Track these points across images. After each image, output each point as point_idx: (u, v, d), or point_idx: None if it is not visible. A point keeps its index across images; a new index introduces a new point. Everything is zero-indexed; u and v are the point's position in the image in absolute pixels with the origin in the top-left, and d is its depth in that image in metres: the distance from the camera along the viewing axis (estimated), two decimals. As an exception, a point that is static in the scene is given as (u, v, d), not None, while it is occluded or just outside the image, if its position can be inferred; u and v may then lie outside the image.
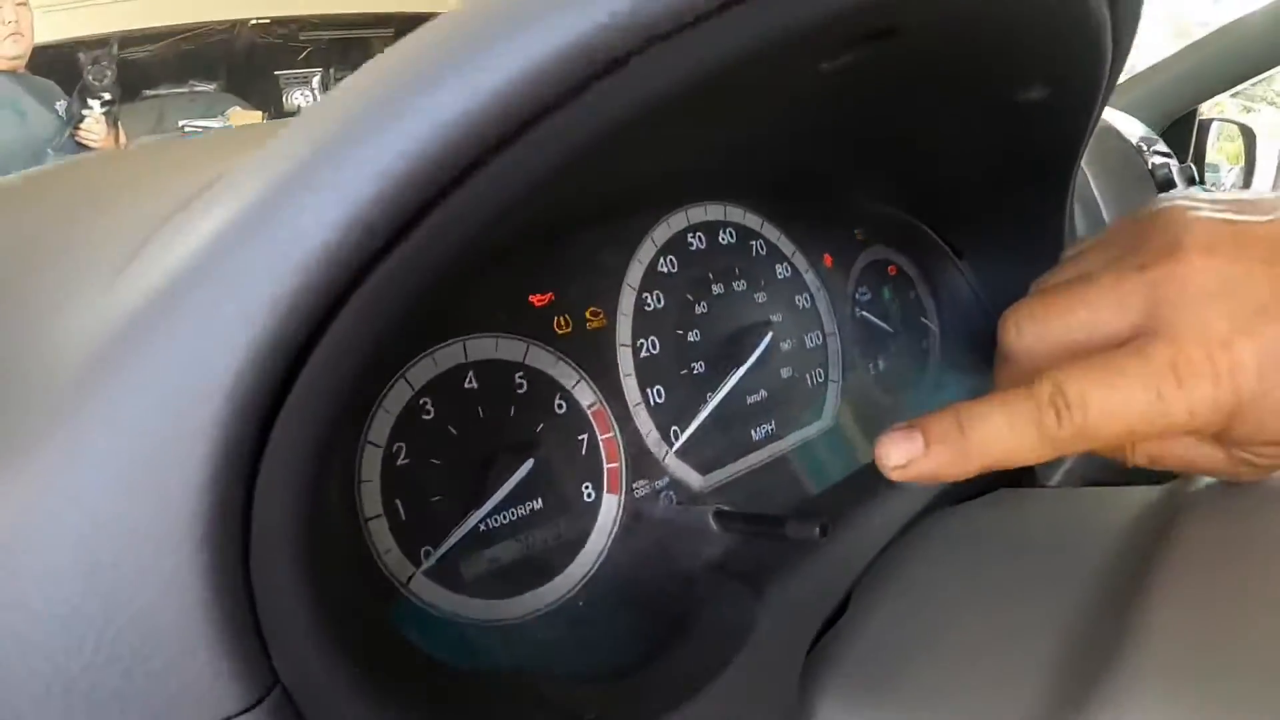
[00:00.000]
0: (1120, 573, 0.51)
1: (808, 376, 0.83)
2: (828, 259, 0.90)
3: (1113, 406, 0.35)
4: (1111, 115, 1.53)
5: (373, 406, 0.58)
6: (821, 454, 0.81)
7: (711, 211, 0.82)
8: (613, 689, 0.52)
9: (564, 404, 0.65)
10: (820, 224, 0.90)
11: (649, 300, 0.73)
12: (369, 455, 0.57)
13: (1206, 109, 2.01)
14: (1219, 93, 1.90)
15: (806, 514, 0.52)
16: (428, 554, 0.57)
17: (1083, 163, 0.92)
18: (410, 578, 0.57)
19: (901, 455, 0.39)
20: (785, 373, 0.80)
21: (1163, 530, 0.46)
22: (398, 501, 0.57)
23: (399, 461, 0.58)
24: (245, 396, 0.30)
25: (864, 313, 0.93)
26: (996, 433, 0.37)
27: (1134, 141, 1.42)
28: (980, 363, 1.06)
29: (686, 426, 0.70)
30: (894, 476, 0.40)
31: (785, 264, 0.86)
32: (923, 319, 1.01)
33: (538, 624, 0.60)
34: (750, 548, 0.60)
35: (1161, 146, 1.44)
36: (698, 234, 0.80)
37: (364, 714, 0.33)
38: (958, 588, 0.61)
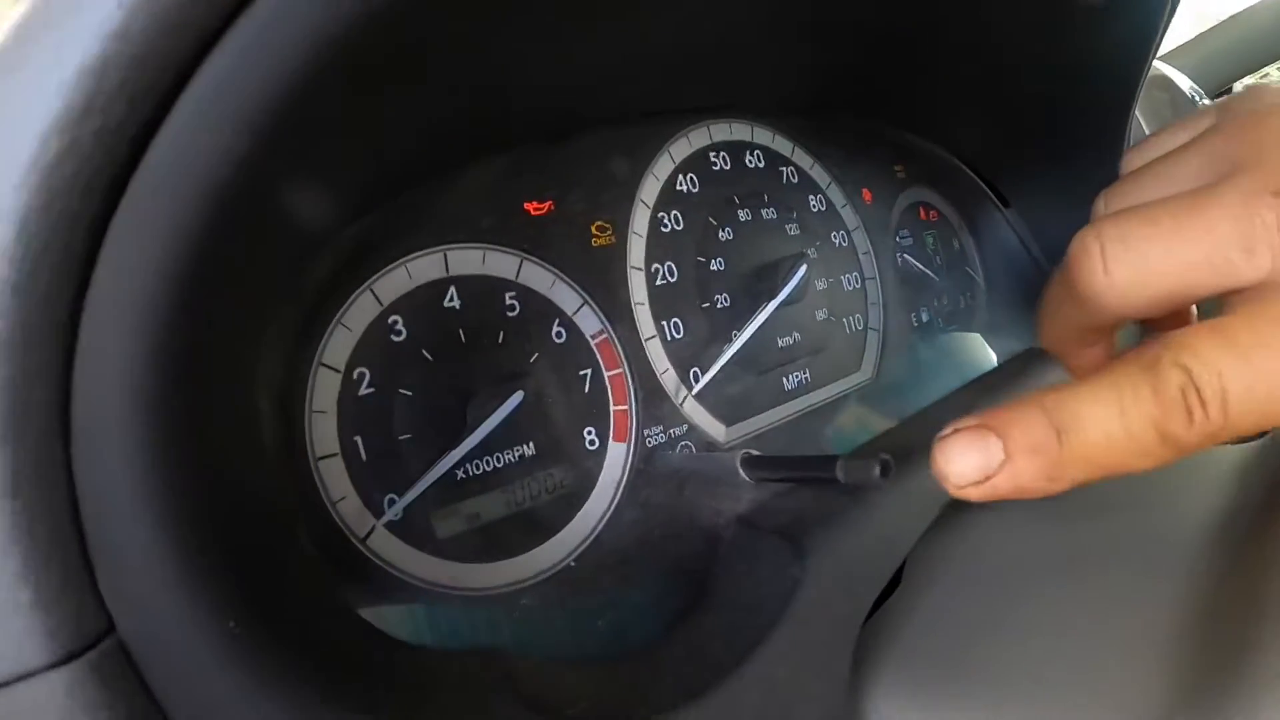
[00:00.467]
0: (1229, 540, 0.42)
1: (845, 322, 0.72)
2: (866, 194, 0.79)
3: (1261, 396, 0.25)
4: (1164, 68, 1.42)
5: (330, 322, 0.47)
6: (859, 411, 0.70)
7: (737, 130, 0.71)
8: (612, 674, 0.41)
9: (563, 332, 0.54)
10: (857, 155, 0.80)
11: (666, 220, 0.62)
12: (323, 381, 0.46)
13: (1253, 81, 1.91)
14: (1267, 65, 1.81)
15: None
16: (391, 503, 0.46)
17: (1136, 112, 0.82)
18: (369, 532, 0.45)
19: (973, 468, 0.29)
20: (821, 314, 0.69)
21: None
22: (358, 439, 0.46)
23: (361, 390, 0.47)
24: (53, 181, 0.19)
25: (907, 256, 0.81)
26: (1106, 440, 0.27)
27: (1186, 92, 1.31)
28: (1031, 321, 0.94)
29: (709, 367, 0.59)
30: (964, 495, 0.30)
31: (819, 196, 0.74)
32: (968, 270, 0.90)
33: (525, 594, 0.49)
34: (786, 501, 0.49)
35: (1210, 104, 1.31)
36: (721, 153, 0.68)
37: (235, 694, 0.21)
38: (1031, 554, 0.51)
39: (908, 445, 0.54)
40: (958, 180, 0.94)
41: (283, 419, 0.44)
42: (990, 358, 0.85)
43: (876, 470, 0.40)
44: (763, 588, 0.44)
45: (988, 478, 0.28)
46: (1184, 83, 1.39)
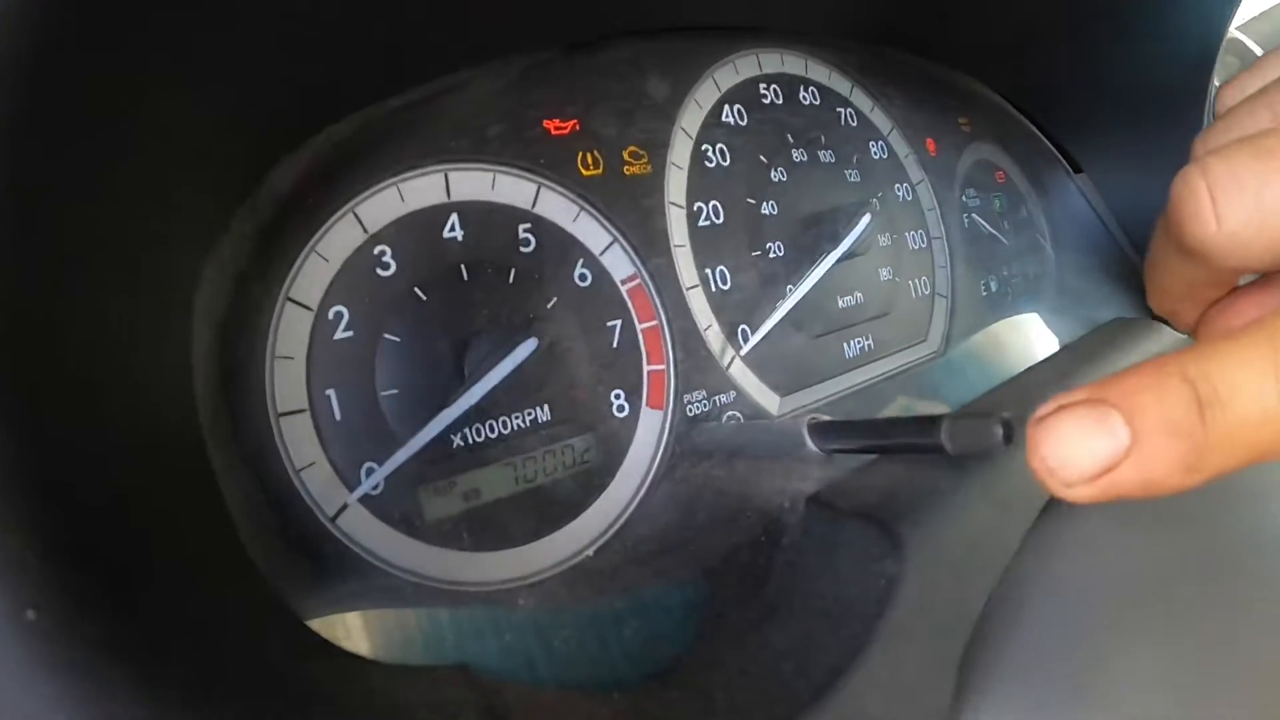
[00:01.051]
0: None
1: (911, 285, 0.62)
2: (930, 144, 0.69)
3: None
4: (1237, 34, 1.31)
5: (301, 249, 0.38)
6: (926, 387, 0.59)
7: (790, 63, 0.61)
8: (639, 707, 0.32)
9: (588, 274, 0.44)
10: (920, 102, 0.70)
11: (710, 154, 0.52)
12: (290, 319, 0.37)
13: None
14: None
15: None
16: (369, 473, 0.37)
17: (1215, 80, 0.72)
18: (341, 509, 0.36)
19: (1089, 457, 0.22)
20: (885, 274, 0.59)
21: None
22: (330, 393, 0.37)
23: (337, 334, 0.38)
24: None
25: (976, 217, 0.71)
26: (1263, 414, 0.21)
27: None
28: (1103, 295, 0.84)
29: (760, 325, 0.49)
30: (1074, 496, 0.23)
31: (881, 142, 0.64)
32: (1037, 237, 0.79)
33: (528, 593, 0.39)
34: (870, 477, 0.39)
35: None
36: (772, 86, 0.58)
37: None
38: (1160, 557, 0.40)
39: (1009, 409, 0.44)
40: (1026, 139, 0.84)
41: (222, 359, 0.34)
42: (1060, 336, 0.75)
43: (998, 432, 0.30)
44: (846, 589, 0.35)
45: (1107, 470, 0.22)
46: (1257, 51, 1.29)
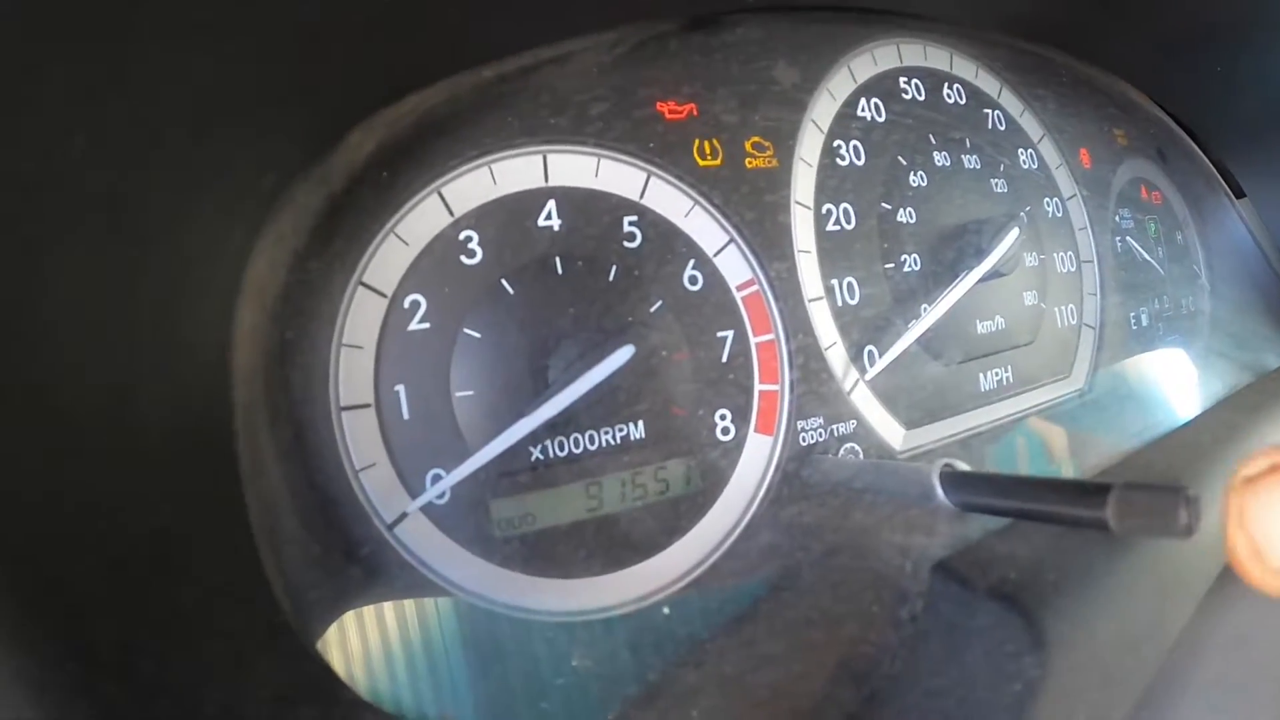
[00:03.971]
0: None
1: (1058, 313, 0.52)
2: (1084, 156, 0.59)
3: None
4: None
5: (378, 229, 0.32)
6: (1069, 428, 0.50)
7: (933, 56, 0.53)
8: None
9: (699, 276, 0.38)
10: (1073, 108, 0.61)
11: (843, 151, 0.44)
12: (361, 305, 0.32)
13: None
14: None
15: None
16: (436, 479, 0.30)
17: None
18: (399, 517, 0.30)
19: None
20: (1030, 298, 0.50)
21: None
22: (400, 389, 0.31)
23: (412, 324, 0.32)
24: None
25: (1130, 240, 0.61)
26: None
27: None
28: (1263, 337, 0.73)
29: (888, 346, 0.41)
30: (1266, 584, 0.19)
31: (1030, 151, 0.55)
32: (1193, 267, 0.69)
33: (593, 632, 0.32)
34: (1009, 544, 0.32)
35: None
36: (913, 80, 0.51)
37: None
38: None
39: (1168, 475, 0.35)
40: (1186, 157, 0.73)
41: (271, 341, 0.29)
42: (1219, 381, 0.64)
43: (1182, 516, 0.22)
44: (973, 689, 0.27)
45: None
46: None
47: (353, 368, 0.32)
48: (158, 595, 0.20)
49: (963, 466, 0.34)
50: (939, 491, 0.33)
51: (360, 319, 0.32)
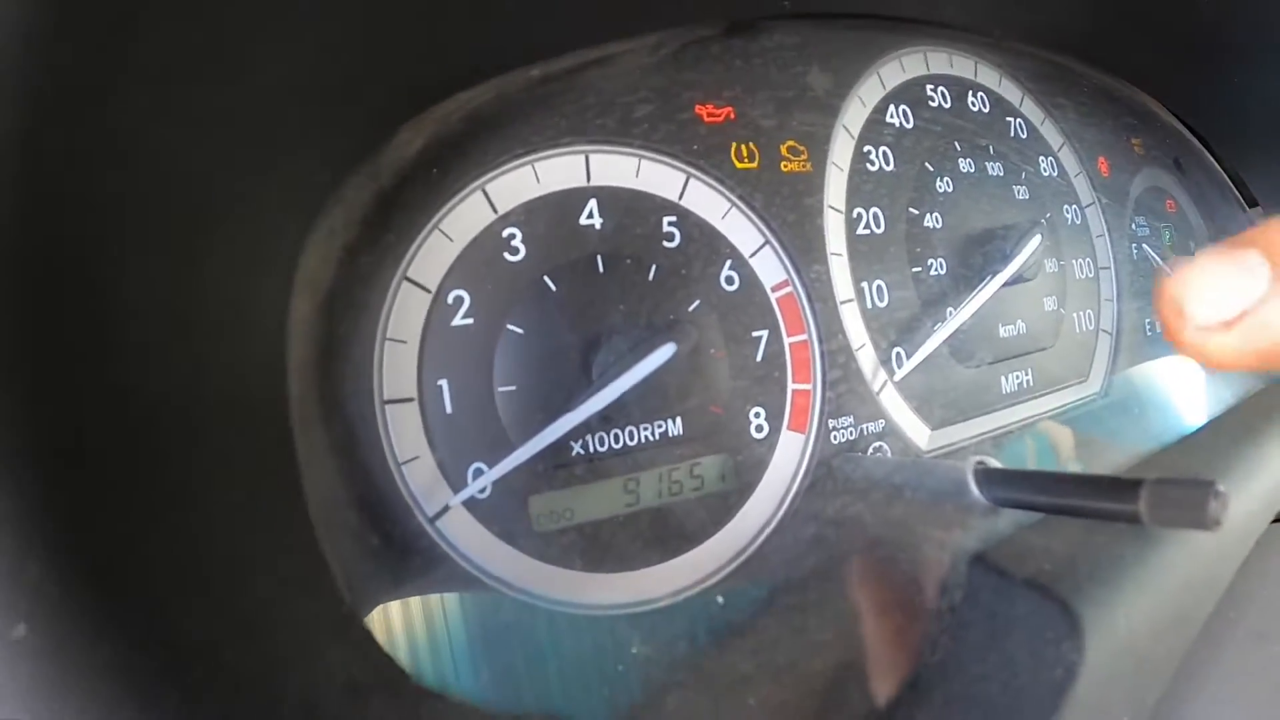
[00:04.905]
0: None
1: (1075, 318, 0.53)
2: (1103, 164, 0.60)
3: None
4: None
5: (424, 225, 0.33)
6: (1084, 431, 0.51)
7: (959, 65, 0.53)
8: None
9: (735, 277, 0.38)
10: (1092, 117, 0.61)
11: (873, 156, 0.45)
12: (406, 299, 0.32)
13: None
14: None
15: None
16: (478, 474, 0.31)
17: None
18: (441, 511, 0.30)
19: (1225, 299, 0.20)
20: (1050, 303, 0.51)
21: None
22: (443, 383, 0.32)
23: (455, 319, 0.33)
24: None
25: (1146, 247, 0.61)
26: None
27: None
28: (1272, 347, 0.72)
29: (916, 349, 0.42)
30: (1196, 341, 0.21)
31: (1050, 159, 0.56)
32: (1208, 277, 0.69)
33: (633, 625, 0.33)
34: (1043, 538, 0.32)
35: None
36: (940, 89, 0.51)
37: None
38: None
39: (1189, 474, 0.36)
40: (1200, 167, 0.73)
41: (323, 335, 0.29)
42: (1229, 389, 0.65)
43: (1214, 508, 0.23)
44: (1016, 675, 0.27)
45: (1246, 313, 0.20)
46: None
47: (396, 361, 0.33)
48: (236, 582, 0.21)
49: (995, 464, 0.34)
50: (973, 487, 0.33)
51: (404, 314, 0.33)
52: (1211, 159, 0.76)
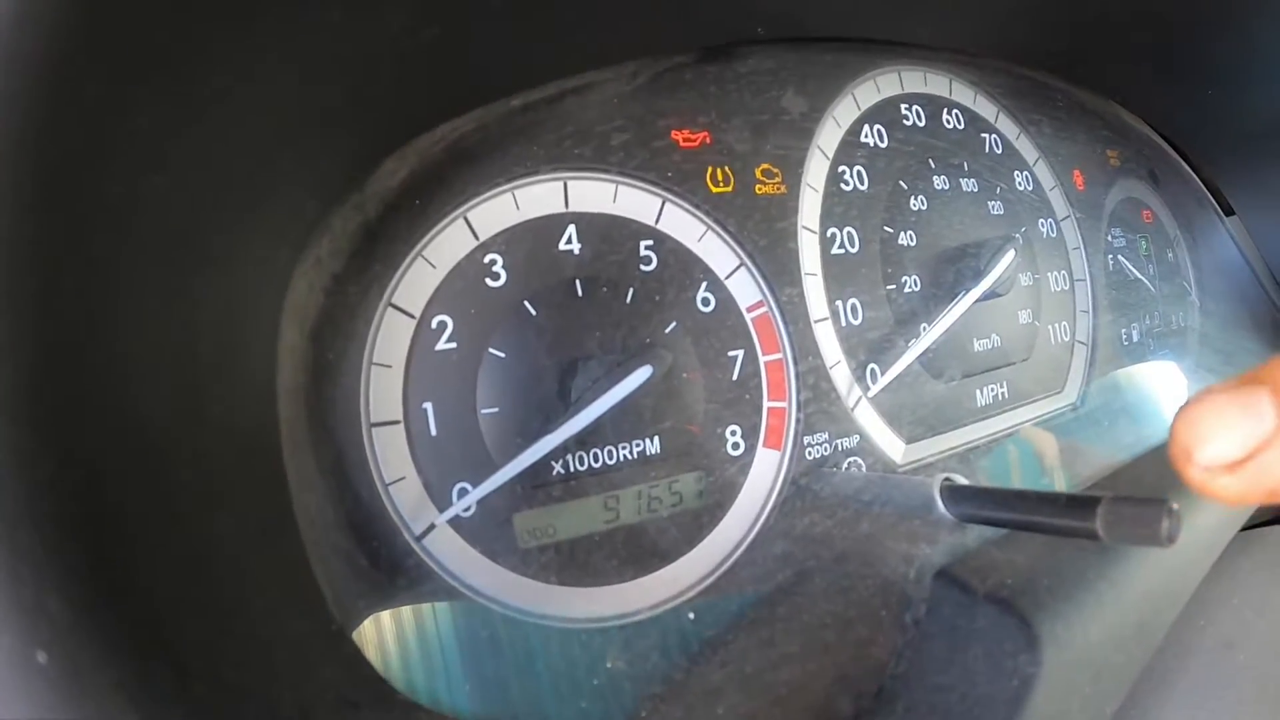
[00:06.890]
0: None
1: (1051, 330, 0.54)
2: (1078, 178, 0.61)
3: None
4: None
5: (407, 252, 0.33)
6: (1063, 444, 0.52)
7: (933, 82, 0.54)
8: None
9: (711, 299, 0.39)
10: (1067, 131, 0.62)
11: (847, 176, 0.46)
12: (390, 325, 0.33)
13: None
14: None
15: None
16: (463, 493, 0.32)
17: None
18: (427, 530, 0.31)
19: (1231, 440, 0.20)
20: (1024, 316, 0.51)
21: None
22: (428, 406, 0.33)
23: (439, 344, 0.33)
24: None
25: (1121, 259, 0.62)
26: None
27: None
28: (1251, 352, 0.74)
29: (890, 365, 0.43)
30: (1210, 490, 0.21)
31: (1026, 173, 0.57)
32: (1183, 284, 0.70)
33: (611, 639, 0.34)
34: (1005, 552, 0.33)
35: None
36: (914, 107, 0.52)
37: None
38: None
39: (1153, 488, 0.36)
40: (1176, 177, 0.74)
41: (311, 362, 0.30)
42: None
43: (1165, 526, 0.24)
44: (974, 686, 0.28)
45: (1251, 455, 0.20)
46: None
47: (382, 386, 0.33)
48: (233, 603, 0.22)
49: (961, 481, 0.35)
50: (940, 504, 0.34)
51: (390, 339, 0.34)
52: (1188, 168, 0.76)
